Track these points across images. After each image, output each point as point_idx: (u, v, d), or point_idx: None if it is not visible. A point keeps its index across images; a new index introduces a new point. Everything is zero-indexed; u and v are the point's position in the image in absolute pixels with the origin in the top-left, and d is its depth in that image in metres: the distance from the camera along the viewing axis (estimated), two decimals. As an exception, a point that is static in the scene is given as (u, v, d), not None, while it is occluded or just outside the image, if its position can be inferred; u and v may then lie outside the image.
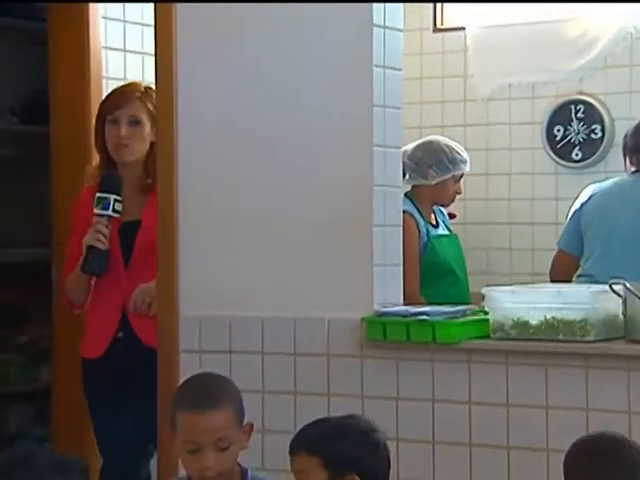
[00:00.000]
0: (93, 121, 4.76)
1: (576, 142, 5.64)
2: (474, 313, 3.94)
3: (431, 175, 4.90)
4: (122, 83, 5.15)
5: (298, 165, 4.08)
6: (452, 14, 5.82)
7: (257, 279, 4.14)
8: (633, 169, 4.84)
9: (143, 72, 5.16)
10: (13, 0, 5.59)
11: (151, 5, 4.41)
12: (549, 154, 5.69)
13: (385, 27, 4.00)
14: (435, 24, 5.86)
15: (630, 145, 4.84)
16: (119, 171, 4.32)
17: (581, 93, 5.62)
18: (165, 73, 4.28)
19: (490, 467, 3.77)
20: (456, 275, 4.97)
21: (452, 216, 5.21)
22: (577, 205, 4.88)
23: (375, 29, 3.96)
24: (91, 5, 5.04)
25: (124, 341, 4.26)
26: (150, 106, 4.30)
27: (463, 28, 5.74)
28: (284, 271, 4.10)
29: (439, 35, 5.85)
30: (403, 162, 4.43)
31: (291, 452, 3.01)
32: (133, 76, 5.18)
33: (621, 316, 3.72)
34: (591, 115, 5.60)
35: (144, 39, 5.11)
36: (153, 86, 4.31)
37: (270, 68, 4.12)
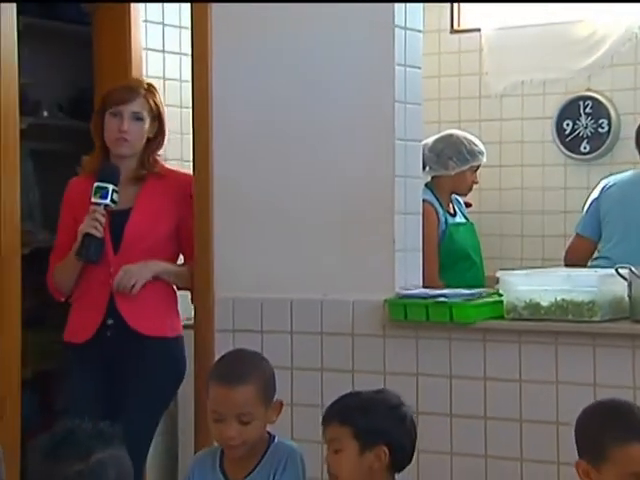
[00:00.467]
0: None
1: (584, 136, 5.62)
2: (489, 295, 3.93)
3: (451, 166, 4.88)
4: (161, 82, 5.17)
5: (325, 157, 4.07)
6: (468, 16, 5.81)
7: (286, 264, 4.14)
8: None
9: (180, 71, 5.16)
10: (61, 0, 5.57)
11: (188, 8, 4.41)
12: (559, 147, 5.67)
13: (406, 28, 3.99)
14: (452, 26, 5.85)
15: None
16: (113, 162, 4.12)
17: (589, 90, 5.59)
18: (201, 72, 4.29)
19: (503, 439, 3.76)
20: (472, 260, 4.96)
21: (468, 205, 5.19)
22: (595, 194, 4.85)
23: (397, 30, 3.95)
24: (133, 9, 5.04)
25: (113, 327, 4.02)
26: (152, 103, 4.15)
27: (478, 29, 5.73)
28: (311, 256, 4.09)
29: (456, 36, 5.84)
30: (423, 154, 4.41)
31: (324, 422, 3.00)
32: (171, 75, 5.19)
33: (626, 298, 3.71)
34: (598, 110, 5.57)
35: (182, 41, 5.10)
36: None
37: (299, 67, 4.11)
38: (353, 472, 2.85)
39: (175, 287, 4.21)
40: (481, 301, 3.87)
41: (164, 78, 5.18)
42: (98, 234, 3.93)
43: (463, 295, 3.88)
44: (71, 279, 4.06)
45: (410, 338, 3.91)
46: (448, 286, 4.35)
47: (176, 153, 5.05)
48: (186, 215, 4.15)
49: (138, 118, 4.08)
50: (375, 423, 2.90)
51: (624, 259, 3.84)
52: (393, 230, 3.96)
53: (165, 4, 5.18)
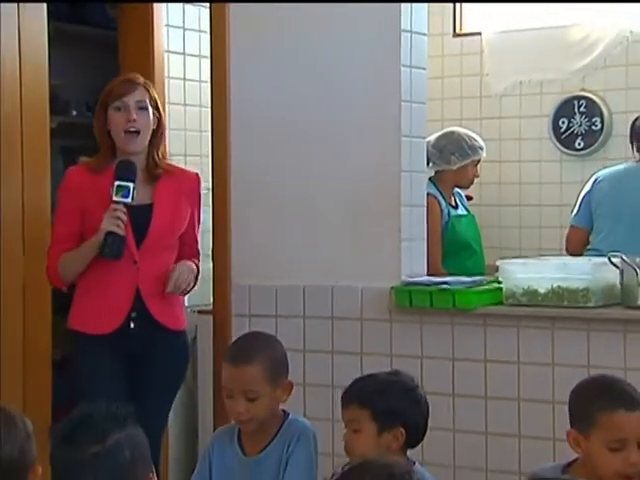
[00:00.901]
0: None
1: (578, 133, 5.59)
2: (489, 282, 3.92)
3: (453, 161, 4.86)
4: (182, 82, 5.17)
5: (335, 153, 4.07)
6: (470, 20, 5.79)
7: (299, 253, 4.13)
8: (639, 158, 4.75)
9: (200, 72, 5.15)
10: (89, 0, 5.56)
11: (207, 13, 4.40)
12: (554, 144, 5.65)
13: (411, 32, 3.98)
14: (455, 30, 5.83)
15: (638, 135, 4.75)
16: (119, 158, 3.86)
17: (583, 90, 5.57)
18: (219, 73, 4.29)
19: (503, 416, 3.75)
20: (473, 249, 4.94)
21: (469, 198, 5.17)
22: (588, 187, 4.83)
23: (403, 34, 3.94)
24: (155, 14, 5.04)
25: (137, 320, 3.82)
26: (151, 94, 3.90)
27: (479, 33, 5.71)
28: (323, 246, 4.08)
29: (458, 39, 5.82)
30: (427, 151, 4.40)
31: (343, 404, 2.97)
32: (191, 76, 5.18)
33: (618, 285, 3.70)
34: (592, 109, 5.55)
35: (201, 44, 5.08)
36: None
37: (312, 68, 4.11)
38: (371, 451, 2.83)
39: None
40: (482, 288, 3.86)
41: (184, 79, 5.18)
42: (121, 232, 3.72)
43: (465, 282, 3.87)
44: (80, 270, 3.82)
45: (415, 323, 3.90)
46: (450, 274, 4.34)
47: (195, 149, 5.06)
48: (193, 211, 3.97)
49: (143, 107, 3.84)
50: (393, 405, 2.88)
51: (613, 251, 3.81)
52: (399, 221, 3.95)
53: (185, 9, 5.18)
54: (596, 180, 4.79)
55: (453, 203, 4.96)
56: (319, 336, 4.05)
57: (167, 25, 5.11)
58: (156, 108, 3.90)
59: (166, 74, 5.09)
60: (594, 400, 2.69)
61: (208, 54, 4.41)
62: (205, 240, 4.23)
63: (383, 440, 2.87)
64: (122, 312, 3.81)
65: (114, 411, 2.23)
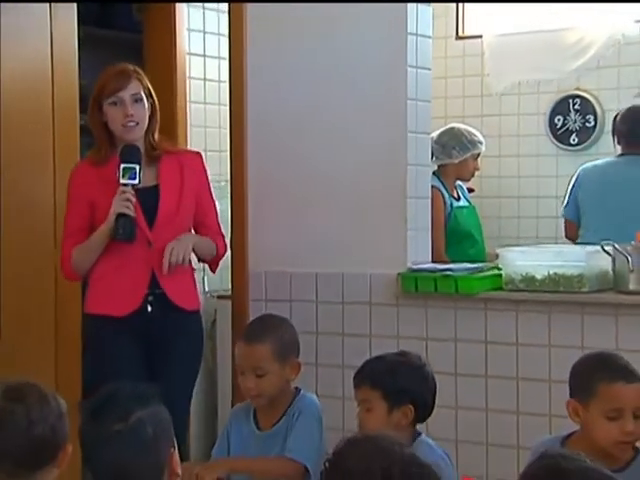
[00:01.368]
0: (179, 113, 4.77)
1: (573, 130, 5.58)
2: (489, 269, 3.91)
3: (454, 155, 4.85)
4: (202, 82, 5.16)
5: (346, 148, 4.06)
6: (471, 24, 5.77)
7: (312, 241, 4.12)
8: (620, 152, 4.74)
9: (219, 73, 5.15)
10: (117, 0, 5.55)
11: (226, 18, 4.40)
12: (551, 139, 5.63)
13: (417, 35, 3.97)
14: (457, 33, 5.81)
15: (620, 130, 4.74)
16: (119, 147, 3.66)
17: (578, 89, 5.55)
18: (237, 73, 4.28)
19: (502, 394, 3.75)
20: (474, 238, 4.92)
21: (471, 190, 5.15)
22: (573, 181, 4.81)
23: (409, 37, 3.93)
24: (178, 19, 5.04)
25: (153, 302, 3.65)
26: (144, 82, 3.69)
27: (480, 36, 5.68)
28: (334, 235, 4.08)
29: (460, 42, 5.80)
30: (431, 146, 4.39)
31: (355, 385, 2.97)
32: (211, 76, 5.18)
33: (611, 272, 3.69)
34: (586, 107, 5.53)
35: (220, 46, 5.07)
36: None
37: (324, 69, 4.10)
38: (382, 427, 2.82)
39: (197, 259, 3.86)
40: (483, 274, 3.85)
41: (205, 79, 5.18)
42: (132, 213, 3.54)
43: (467, 269, 3.86)
44: (94, 259, 3.66)
45: (420, 307, 3.89)
46: (453, 261, 4.33)
47: (215, 145, 5.06)
48: (202, 190, 3.78)
49: (138, 99, 3.64)
50: (401, 385, 2.87)
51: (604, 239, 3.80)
52: (405, 212, 3.94)
53: (206, 14, 5.18)
54: (580, 174, 4.78)
55: (455, 195, 4.95)
56: (331, 319, 4.05)
57: (189, 29, 5.11)
58: (149, 95, 3.71)
59: (188, 74, 5.10)
60: (595, 372, 2.69)
61: (227, 56, 4.41)
62: (224, 231, 4.22)
63: (393, 417, 2.87)
64: (139, 294, 3.64)
65: (139, 390, 2.22)
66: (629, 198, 4.56)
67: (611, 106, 5.38)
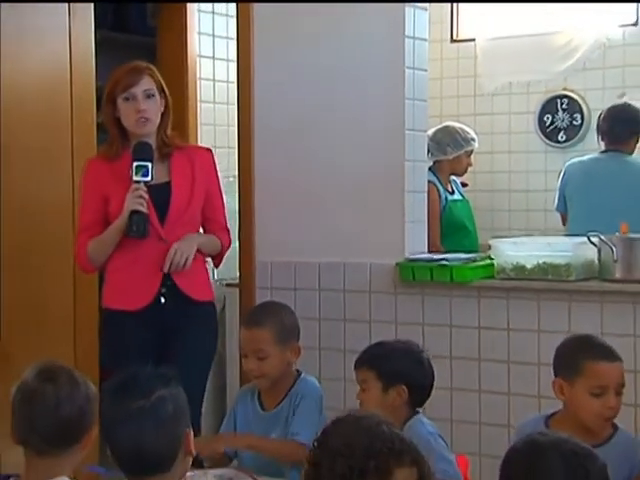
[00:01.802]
0: (190, 112, 4.76)
1: (561, 127, 5.56)
2: (482, 259, 3.91)
3: (449, 151, 4.84)
4: (212, 83, 5.15)
5: (347, 145, 4.05)
6: (465, 29, 5.75)
7: (315, 233, 4.12)
8: (604, 148, 4.73)
9: (228, 74, 5.14)
10: (131, 0, 5.52)
11: (234, 22, 4.39)
12: (540, 137, 5.61)
13: (414, 38, 3.96)
14: (452, 36, 5.79)
15: (602, 128, 4.73)
16: (132, 142, 3.56)
17: (565, 89, 5.53)
18: (244, 74, 4.28)
19: (494, 377, 3.75)
20: (468, 230, 4.92)
21: (464, 185, 5.14)
22: (561, 176, 4.81)
23: (406, 39, 3.92)
24: (189, 23, 5.05)
25: (167, 295, 3.56)
26: (157, 79, 3.59)
27: (473, 39, 5.67)
28: (335, 227, 4.07)
29: (455, 45, 5.79)
30: (427, 143, 4.38)
31: (355, 367, 2.98)
32: (220, 77, 5.17)
33: (596, 261, 3.69)
34: (573, 107, 5.52)
35: (229, 49, 5.07)
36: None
37: (326, 71, 4.09)
38: (378, 407, 2.83)
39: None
40: (476, 264, 3.84)
41: (214, 80, 5.18)
42: (145, 210, 3.45)
43: (461, 259, 3.85)
44: (109, 252, 3.56)
45: (417, 295, 3.89)
46: (448, 252, 4.32)
47: (224, 142, 5.05)
48: (212, 186, 3.68)
49: (150, 95, 3.53)
50: (395, 366, 2.88)
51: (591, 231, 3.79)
52: (403, 205, 3.94)
53: (215, 19, 5.18)
54: (567, 170, 4.77)
55: (450, 189, 4.94)
56: (332, 306, 4.04)
57: (199, 33, 5.11)
58: (162, 92, 3.60)
59: (198, 76, 5.10)
60: (580, 351, 2.72)
61: (235, 58, 4.40)
62: (232, 222, 4.21)
63: (388, 397, 2.87)
64: (152, 288, 3.55)
65: (159, 372, 2.21)
66: (611, 192, 4.56)
67: (597, 105, 5.36)
